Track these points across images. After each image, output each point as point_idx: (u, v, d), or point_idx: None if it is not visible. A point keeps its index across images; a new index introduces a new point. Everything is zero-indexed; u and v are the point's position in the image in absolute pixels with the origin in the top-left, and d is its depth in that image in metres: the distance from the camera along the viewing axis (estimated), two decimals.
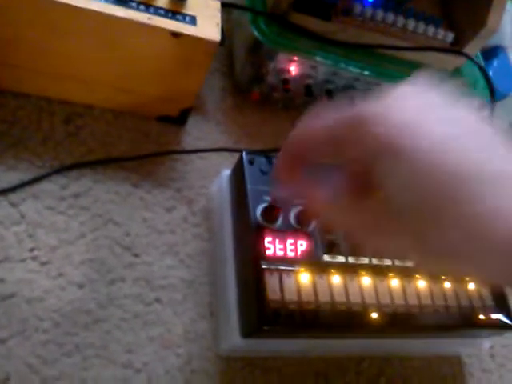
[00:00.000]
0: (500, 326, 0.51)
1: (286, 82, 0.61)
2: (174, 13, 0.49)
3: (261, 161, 0.50)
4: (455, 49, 0.62)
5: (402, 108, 0.28)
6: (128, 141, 0.55)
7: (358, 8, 0.57)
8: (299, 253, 0.46)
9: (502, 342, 0.61)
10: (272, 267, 0.44)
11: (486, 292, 0.52)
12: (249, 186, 0.48)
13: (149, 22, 0.47)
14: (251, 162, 0.49)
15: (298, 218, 0.47)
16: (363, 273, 0.47)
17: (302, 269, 0.45)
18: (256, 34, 0.57)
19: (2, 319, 0.42)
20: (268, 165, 0.50)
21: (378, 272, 0.48)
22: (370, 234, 0.33)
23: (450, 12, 0.65)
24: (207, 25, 0.50)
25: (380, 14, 0.58)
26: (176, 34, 0.48)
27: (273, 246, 0.45)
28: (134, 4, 0.47)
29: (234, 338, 0.45)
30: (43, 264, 0.45)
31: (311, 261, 0.46)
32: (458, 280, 0.51)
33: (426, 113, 0.28)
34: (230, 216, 0.50)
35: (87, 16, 0.45)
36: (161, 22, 0.48)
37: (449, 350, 0.57)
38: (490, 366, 0.59)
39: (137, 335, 0.46)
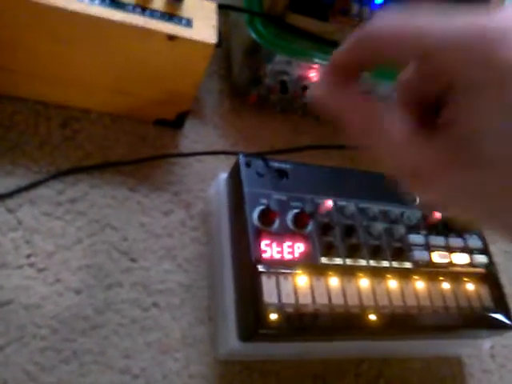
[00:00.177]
0: (499, 326, 0.51)
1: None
2: (170, 15, 0.49)
3: (258, 164, 0.50)
4: None
5: None
6: (125, 144, 0.55)
7: (355, 8, 0.57)
8: (296, 255, 0.46)
9: (503, 342, 0.60)
10: (269, 270, 0.44)
11: (484, 292, 0.51)
12: (246, 189, 0.48)
13: (144, 25, 0.47)
14: (248, 165, 0.49)
15: (296, 220, 0.47)
16: (361, 275, 0.47)
17: (300, 271, 0.45)
18: (253, 35, 0.57)
19: (0, 326, 0.42)
20: (265, 168, 0.50)
21: (376, 273, 0.48)
22: (442, 178, 0.25)
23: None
24: (203, 27, 0.50)
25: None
26: (172, 37, 0.48)
27: (270, 249, 0.45)
28: (129, 7, 0.47)
29: (231, 342, 0.45)
30: (40, 270, 0.45)
31: (308, 263, 0.46)
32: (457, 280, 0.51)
33: None
34: (227, 219, 0.50)
35: (83, 20, 0.45)
36: (157, 25, 0.48)
37: (448, 351, 0.57)
38: (490, 367, 0.59)
39: (134, 340, 0.46)
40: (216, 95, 0.63)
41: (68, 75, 0.52)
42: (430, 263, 0.51)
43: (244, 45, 0.59)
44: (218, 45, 0.50)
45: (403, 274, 0.49)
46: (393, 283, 0.48)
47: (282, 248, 0.46)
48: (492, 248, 0.55)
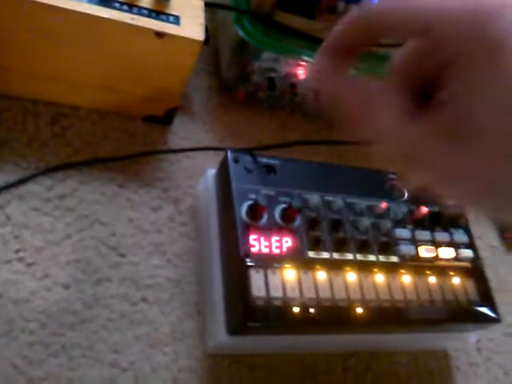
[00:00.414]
0: (485, 320, 0.52)
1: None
2: (158, 13, 0.49)
3: (246, 159, 0.50)
4: None
5: None
6: (114, 141, 0.55)
7: (341, 6, 0.57)
8: (284, 250, 0.46)
9: (489, 335, 0.61)
10: (257, 264, 0.45)
11: (470, 286, 0.52)
12: (234, 184, 0.48)
13: (132, 22, 0.47)
14: (236, 161, 0.50)
15: (284, 214, 0.47)
16: (348, 269, 0.48)
17: (287, 265, 0.46)
18: (241, 33, 0.57)
19: None
20: (253, 163, 0.50)
21: (363, 268, 0.48)
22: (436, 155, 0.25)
23: None
24: (191, 24, 0.50)
25: None
26: (160, 34, 0.48)
27: (258, 244, 0.46)
28: (117, 4, 0.48)
29: (220, 336, 0.45)
30: (29, 265, 0.45)
31: (296, 257, 0.46)
32: (443, 274, 0.51)
33: None
34: (216, 214, 0.51)
35: (72, 17, 0.46)
36: (144, 22, 0.48)
37: (435, 345, 0.58)
38: (476, 360, 0.59)
39: (123, 335, 0.46)
40: (204, 92, 0.64)
41: (56, 72, 0.52)
42: (416, 257, 0.51)
43: (232, 42, 0.59)
44: (206, 42, 0.50)
45: (390, 268, 0.50)
46: (379, 277, 0.49)
47: (269, 242, 0.46)
48: (478, 242, 0.56)
